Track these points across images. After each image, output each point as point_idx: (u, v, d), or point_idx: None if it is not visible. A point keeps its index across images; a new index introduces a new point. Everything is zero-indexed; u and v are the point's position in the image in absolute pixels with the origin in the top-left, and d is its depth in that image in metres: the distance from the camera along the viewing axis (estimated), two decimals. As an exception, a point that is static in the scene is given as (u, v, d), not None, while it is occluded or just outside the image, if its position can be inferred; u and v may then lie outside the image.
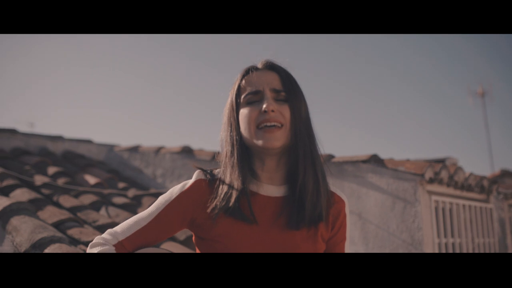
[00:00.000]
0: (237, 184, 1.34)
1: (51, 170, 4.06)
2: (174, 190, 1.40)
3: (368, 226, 3.50)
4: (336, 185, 3.70)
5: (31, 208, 2.74)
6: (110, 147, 5.49)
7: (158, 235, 1.38)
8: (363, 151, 3.72)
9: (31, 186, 3.53)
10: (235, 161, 1.36)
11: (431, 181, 3.39)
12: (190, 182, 1.40)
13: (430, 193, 3.43)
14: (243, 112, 1.36)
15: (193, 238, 1.42)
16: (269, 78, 1.39)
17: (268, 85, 1.37)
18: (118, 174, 4.97)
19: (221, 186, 1.36)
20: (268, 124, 1.33)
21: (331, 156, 3.81)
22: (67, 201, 3.33)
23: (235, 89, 1.41)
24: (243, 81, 1.40)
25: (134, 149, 5.24)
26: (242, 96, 1.38)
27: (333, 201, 1.42)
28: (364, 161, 3.58)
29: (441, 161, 5.07)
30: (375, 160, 3.56)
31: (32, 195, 3.12)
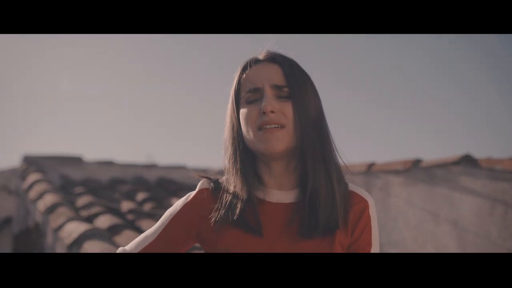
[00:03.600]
0: (241, 192, 1.21)
1: (140, 196, 4.22)
2: (178, 203, 1.31)
3: (465, 235, 3.10)
4: (425, 191, 3.36)
5: (107, 233, 2.83)
6: (203, 171, 5.60)
7: (166, 251, 1.29)
8: (459, 152, 3.34)
9: (117, 213, 3.68)
10: (239, 166, 1.24)
11: (535, 179, 2.92)
12: (193, 193, 1.30)
13: (537, 193, 2.95)
14: (243, 112, 1.23)
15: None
16: (270, 72, 1.23)
17: (269, 81, 1.21)
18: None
19: (224, 195, 1.24)
20: (268, 126, 1.18)
21: (418, 161, 3.47)
22: (148, 225, 3.40)
23: (235, 85, 1.28)
24: (243, 76, 1.27)
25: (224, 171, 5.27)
26: (242, 94, 1.26)
27: (353, 202, 1.22)
28: (454, 163, 3.21)
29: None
30: (467, 161, 3.18)
31: (114, 221, 3.23)
